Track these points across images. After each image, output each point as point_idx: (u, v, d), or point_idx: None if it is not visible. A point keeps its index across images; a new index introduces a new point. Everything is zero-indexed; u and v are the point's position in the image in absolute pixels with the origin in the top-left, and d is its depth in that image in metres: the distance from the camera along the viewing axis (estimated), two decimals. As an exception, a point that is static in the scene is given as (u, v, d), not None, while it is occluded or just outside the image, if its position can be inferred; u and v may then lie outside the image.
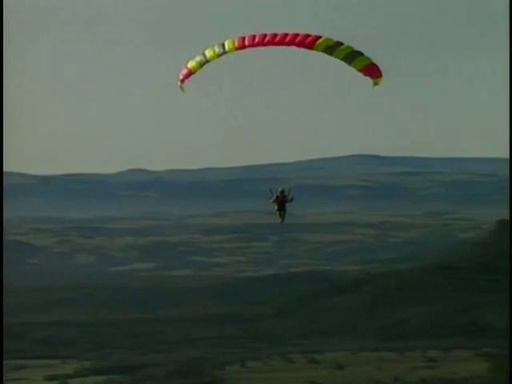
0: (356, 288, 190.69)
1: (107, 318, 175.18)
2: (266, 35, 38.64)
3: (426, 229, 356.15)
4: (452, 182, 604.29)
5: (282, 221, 43.87)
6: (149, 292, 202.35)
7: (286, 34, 38.62)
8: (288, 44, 38.50)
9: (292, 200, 43.77)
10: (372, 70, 39.00)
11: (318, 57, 38.78)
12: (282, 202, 43.78)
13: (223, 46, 38.96)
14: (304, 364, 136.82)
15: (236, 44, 38.61)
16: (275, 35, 38.61)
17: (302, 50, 38.64)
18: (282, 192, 43.99)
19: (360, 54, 38.95)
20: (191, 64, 39.57)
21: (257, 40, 38.47)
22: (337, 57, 38.69)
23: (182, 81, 40.01)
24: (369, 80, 39.14)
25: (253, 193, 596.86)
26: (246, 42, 38.55)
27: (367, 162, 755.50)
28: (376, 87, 39.32)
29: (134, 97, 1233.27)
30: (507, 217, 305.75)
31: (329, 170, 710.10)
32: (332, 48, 38.52)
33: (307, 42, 38.43)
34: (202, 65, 39.35)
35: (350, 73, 38.96)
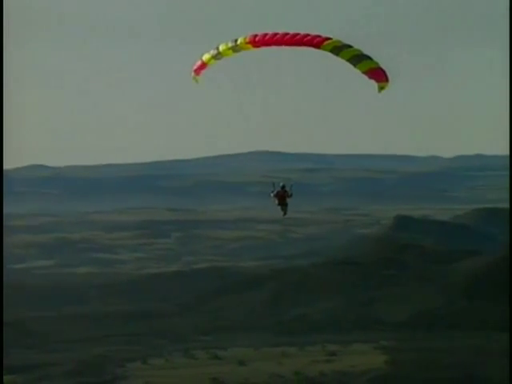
0: (258, 284, 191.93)
1: (5, 316, 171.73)
2: (276, 34, 39.31)
3: (327, 225, 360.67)
4: (352, 178, 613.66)
5: (284, 214, 45.69)
6: (49, 290, 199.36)
7: (297, 34, 39.20)
8: (296, 43, 39.05)
9: (291, 195, 45.14)
10: (377, 74, 39.38)
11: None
12: (282, 196, 45.35)
13: (236, 41, 39.89)
14: (206, 360, 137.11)
15: (247, 40, 39.46)
16: (285, 34, 39.22)
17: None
18: (283, 187, 45.37)
19: (368, 57, 39.28)
20: (205, 57, 40.67)
21: (267, 38, 39.22)
22: (343, 57, 39.07)
23: (197, 72, 41.01)
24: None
25: (154, 189, 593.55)
26: (257, 39, 39.34)
27: (269, 158, 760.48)
28: (382, 91, 39.69)
29: (36, 93, 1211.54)
30: (405, 212, 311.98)
31: (231, 166, 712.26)
32: (339, 49, 38.97)
33: (315, 42, 38.92)
34: (214, 58, 40.47)
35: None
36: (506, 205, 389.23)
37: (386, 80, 39.64)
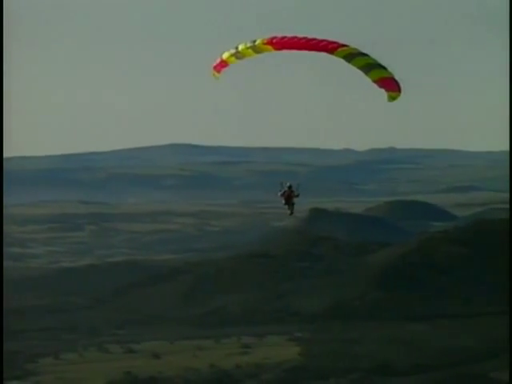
0: (173, 277, 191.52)
1: None
2: (294, 37, 39.58)
3: (242, 218, 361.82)
4: (267, 171, 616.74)
5: (291, 213, 46.91)
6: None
7: (314, 38, 39.27)
8: (312, 47, 39.10)
9: (298, 195, 46.24)
10: (389, 83, 39.08)
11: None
12: (288, 196, 46.54)
13: (254, 42, 40.33)
14: (120, 354, 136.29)
15: (265, 41, 39.88)
16: (302, 38, 39.41)
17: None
18: (290, 187, 46.51)
19: (381, 67, 38.91)
20: (225, 55, 41.28)
21: (284, 40, 39.66)
22: (355, 65, 38.88)
23: (217, 69, 41.52)
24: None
25: (68, 182, 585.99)
26: (274, 41, 39.80)
27: (184, 151, 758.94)
28: (392, 101, 39.42)
29: None
30: (319, 205, 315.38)
31: (146, 159, 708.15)
32: (353, 56, 38.70)
33: (330, 48, 38.77)
34: (234, 57, 41.05)
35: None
36: (416, 197, 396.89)
37: (398, 90, 39.21)
